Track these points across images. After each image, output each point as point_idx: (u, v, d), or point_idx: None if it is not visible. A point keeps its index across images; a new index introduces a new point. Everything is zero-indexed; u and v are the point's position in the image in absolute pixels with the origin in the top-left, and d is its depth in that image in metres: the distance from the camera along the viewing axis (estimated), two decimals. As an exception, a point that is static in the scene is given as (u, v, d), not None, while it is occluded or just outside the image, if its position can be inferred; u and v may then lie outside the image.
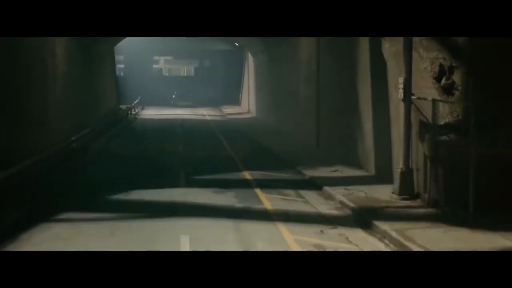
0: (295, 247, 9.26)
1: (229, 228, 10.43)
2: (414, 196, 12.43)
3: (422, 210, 11.39)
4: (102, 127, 25.84)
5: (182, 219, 11.12)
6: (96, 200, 12.71)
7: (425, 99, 12.35)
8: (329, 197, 13.28)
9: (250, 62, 44.42)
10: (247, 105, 46.28)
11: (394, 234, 9.72)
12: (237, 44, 52.68)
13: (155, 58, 62.80)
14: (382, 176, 14.63)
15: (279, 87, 31.27)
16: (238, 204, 12.52)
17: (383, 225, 10.28)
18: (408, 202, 12.14)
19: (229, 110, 46.01)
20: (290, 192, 13.93)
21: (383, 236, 9.98)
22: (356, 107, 17.30)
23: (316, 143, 21.91)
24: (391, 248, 9.41)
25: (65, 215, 11.41)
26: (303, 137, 23.89)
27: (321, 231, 10.37)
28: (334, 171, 16.47)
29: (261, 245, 9.30)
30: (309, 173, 16.26)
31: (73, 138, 18.29)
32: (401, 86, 12.54)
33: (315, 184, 14.72)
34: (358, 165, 16.82)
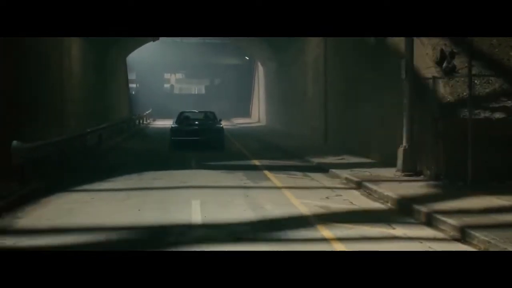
0: (302, 208, 9.73)
1: (238, 194, 10.95)
2: (416, 172, 12.89)
3: (423, 183, 11.83)
4: (115, 128, 26.47)
5: (193, 189, 11.68)
6: (112, 177, 13.26)
7: (426, 78, 12.89)
8: (335, 176, 13.77)
9: (260, 72, 45.08)
10: (257, 115, 46.88)
11: (394, 196, 10.21)
12: (247, 58, 53.61)
13: (166, 76, 63.67)
14: (388, 162, 15.07)
15: (288, 92, 31.89)
16: (247, 180, 13.05)
17: (385, 192, 10.76)
18: (410, 178, 12.59)
19: (239, 121, 46.62)
20: (297, 173, 14.44)
21: (385, 200, 10.46)
22: (364, 97, 17.82)
23: (324, 138, 22.44)
24: (391, 208, 9.86)
25: (84, 187, 11.98)
26: (312, 135, 24.46)
27: (327, 197, 10.87)
28: (341, 159, 16.96)
29: (269, 207, 9.79)
30: (316, 160, 16.76)
31: (88, 130, 18.86)
32: (404, 66, 13.07)
33: (322, 168, 15.21)
34: (363, 154, 17.30)
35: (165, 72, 63.29)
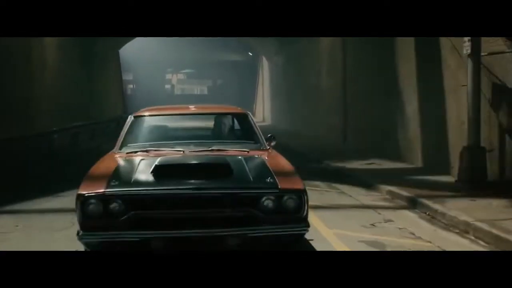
0: (338, 244, 6.16)
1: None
2: (487, 183, 9.27)
3: (506, 198, 8.20)
4: (99, 128, 22.91)
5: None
6: (65, 190, 9.62)
7: (503, 52, 9.27)
8: (372, 188, 10.14)
9: (265, 68, 41.91)
10: (261, 114, 43.74)
11: (481, 225, 6.60)
12: (250, 54, 50.66)
13: (168, 77, 61.28)
14: (432, 168, 11.53)
15: (297, 87, 28.48)
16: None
17: (460, 216, 7.15)
18: (481, 191, 8.94)
19: (242, 120, 43.10)
20: (320, 183, 10.77)
21: (464, 230, 6.84)
22: (395, 89, 14.24)
23: (342, 138, 18.84)
24: (481, 245, 6.27)
25: (16, 206, 8.42)
26: (327, 134, 20.81)
27: (372, 225, 7.24)
28: (370, 163, 13.35)
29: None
30: (340, 165, 13.16)
31: (55, 129, 15.33)
32: (467, 38, 9.45)
33: (349, 176, 11.60)
34: (398, 158, 13.69)
35: (166, 73, 60.95)
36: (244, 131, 6.96)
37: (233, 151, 6.04)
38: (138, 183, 5.03)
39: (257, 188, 4.96)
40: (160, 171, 5.13)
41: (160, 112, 7.30)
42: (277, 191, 4.88)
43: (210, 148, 6.07)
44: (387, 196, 9.33)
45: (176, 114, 7.35)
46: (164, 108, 7.79)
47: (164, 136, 6.76)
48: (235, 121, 7.19)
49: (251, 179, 5.07)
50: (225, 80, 59.42)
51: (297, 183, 5.08)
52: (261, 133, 6.72)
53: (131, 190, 4.89)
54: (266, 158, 5.93)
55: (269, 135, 6.96)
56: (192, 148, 6.09)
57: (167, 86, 62.26)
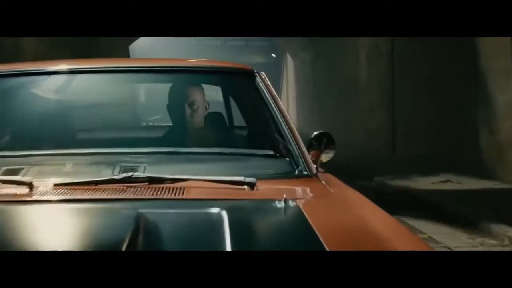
0: None
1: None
2: None
3: None
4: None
5: None
6: None
7: None
8: (475, 229, 5.97)
9: (289, 68, 39.25)
10: (285, 119, 40.87)
11: None
12: (274, 55, 48.43)
13: None
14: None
15: (327, 84, 25.03)
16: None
17: None
18: None
19: (264, 125, 40.09)
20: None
21: None
22: (474, 72, 10.14)
23: (390, 146, 14.68)
24: None
25: None
26: (368, 139, 16.68)
27: None
28: (444, 181, 9.18)
29: None
30: (400, 184, 9.03)
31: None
32: None
33: (422, 203, 7.46)
34: (480, 172, 9.53)
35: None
36: (250, 120, 2.69)
37: (215, 189, 1.75)
38: None
39: None
40: None
41: (53, 67, 2.64)
42: None
43: (145, 175, 1.80)
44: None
45: (85, 70, 2.63)
46: (66, 61, 2.85)
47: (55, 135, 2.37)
48: (230, 98, 2.91)
49: None
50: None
51: None
52: (293, 127, 2.38)
53: None
54: (317, 216, 1.61)
55: (315, 133, 2.53)
56: (106, 172, 1.94)
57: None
